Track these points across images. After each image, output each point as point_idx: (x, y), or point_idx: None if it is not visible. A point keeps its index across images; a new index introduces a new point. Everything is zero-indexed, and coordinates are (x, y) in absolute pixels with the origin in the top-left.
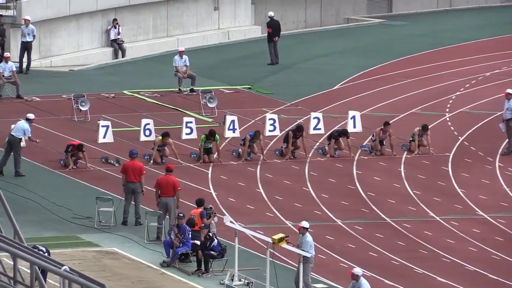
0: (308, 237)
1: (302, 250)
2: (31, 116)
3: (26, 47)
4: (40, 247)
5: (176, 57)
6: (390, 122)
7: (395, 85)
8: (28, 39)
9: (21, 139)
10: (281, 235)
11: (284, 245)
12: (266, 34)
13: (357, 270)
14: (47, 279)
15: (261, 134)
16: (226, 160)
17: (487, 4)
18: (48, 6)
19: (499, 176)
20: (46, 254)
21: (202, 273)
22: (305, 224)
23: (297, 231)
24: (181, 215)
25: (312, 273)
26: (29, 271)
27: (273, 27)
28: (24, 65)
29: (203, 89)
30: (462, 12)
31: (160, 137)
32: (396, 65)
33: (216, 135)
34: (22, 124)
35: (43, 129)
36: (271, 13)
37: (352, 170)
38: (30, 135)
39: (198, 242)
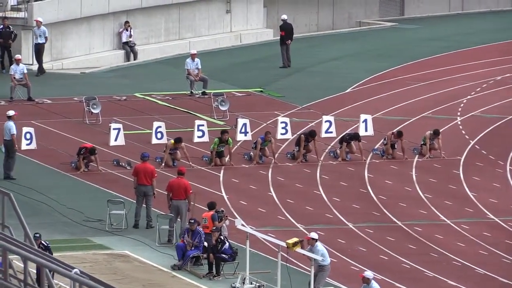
0: (319, 247)
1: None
2: (10, 112)
3: (38, 49)
4: (43, 242)
5: (188, 60)
6: (402, 125)
7: (407, 89)
8: (40, 40)
9: (11, 140)
10: (295, 239)
11: (298, 249)
12: (279, 37)
13: (368, 273)
14: (57, 281)
15: (271, 135)
16: (238, 163)
17: (498, 7)
18: (59, 9)
19: (510, 179)
20: (48, 246)
21: (213, 276)
22: (314, 235)
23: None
24: (192, 221)
25: None
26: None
27: (286, 30)
28: (37, 67)
29: (215, 92)
30: (473, 15)
31: (173, 141)
32: (408, 68)
33: (229, 138)
34: (6, 124)
35: (53, 131)
36: (284, 16)
37: (364, 173)
38: (14, 133)
39: (206, 243)
